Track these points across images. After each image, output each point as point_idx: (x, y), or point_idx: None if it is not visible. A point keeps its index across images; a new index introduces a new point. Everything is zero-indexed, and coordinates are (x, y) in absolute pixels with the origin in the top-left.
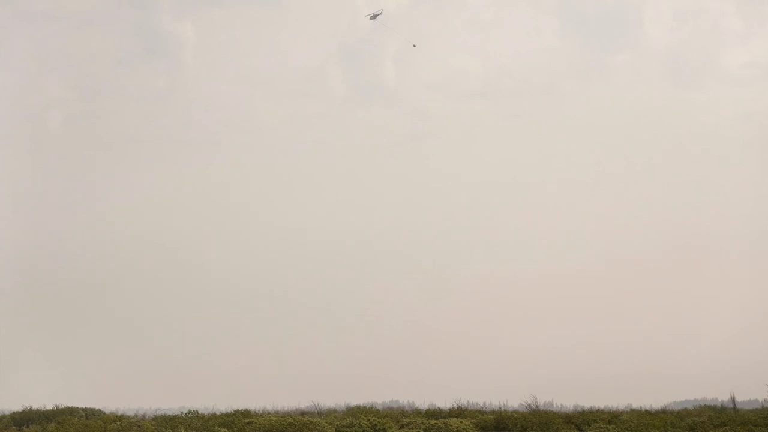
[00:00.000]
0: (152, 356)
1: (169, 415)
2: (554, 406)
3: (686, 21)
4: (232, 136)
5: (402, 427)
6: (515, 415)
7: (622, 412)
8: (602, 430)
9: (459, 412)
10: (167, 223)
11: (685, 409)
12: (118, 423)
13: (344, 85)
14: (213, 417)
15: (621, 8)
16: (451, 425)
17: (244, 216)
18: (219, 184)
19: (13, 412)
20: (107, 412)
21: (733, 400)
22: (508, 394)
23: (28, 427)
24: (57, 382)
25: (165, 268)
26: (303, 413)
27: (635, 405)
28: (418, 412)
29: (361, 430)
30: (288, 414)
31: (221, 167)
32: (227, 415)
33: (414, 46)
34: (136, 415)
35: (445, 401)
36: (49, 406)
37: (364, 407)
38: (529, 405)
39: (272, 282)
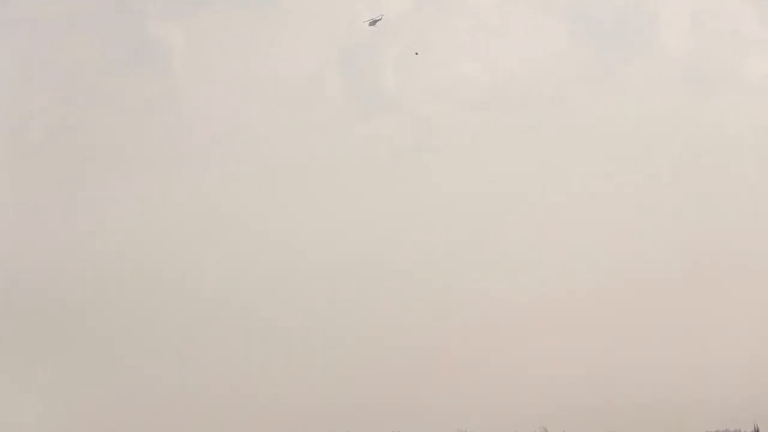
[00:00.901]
0: (137, 383)
1: None
2: None
3: (704, 25)
4: (224, 147)
5: None
6: None
7: None
8: None
9: None
10: (155, 241)
11: None
12: None
13: (343, 93)
14: None
15: (635, 11)
16: None
17: (236, 232)
18: (210, 198)
19: None
20: None
21: (757, 430)
22: (518, 423)
23: None
24: (34, 411)
25: (152, 289)
26: None
27: None
28: None
29: None
30: None
31: (213, 181)
32: None
33: (416, 53)
34: None
35: (449, 431)
36: None
37: None
38: None
39: (267, 304)
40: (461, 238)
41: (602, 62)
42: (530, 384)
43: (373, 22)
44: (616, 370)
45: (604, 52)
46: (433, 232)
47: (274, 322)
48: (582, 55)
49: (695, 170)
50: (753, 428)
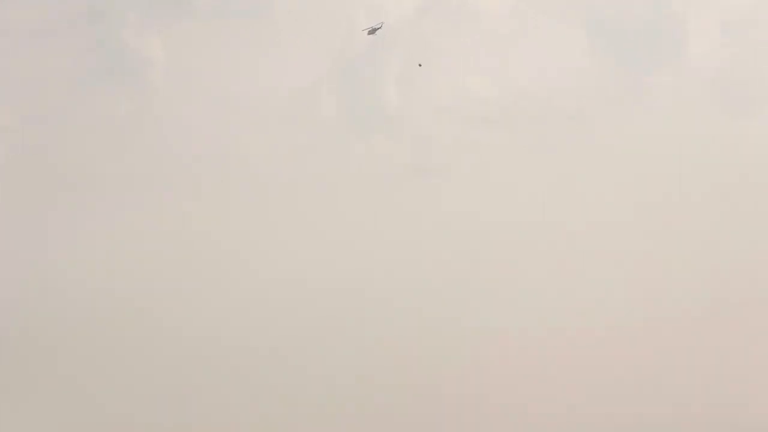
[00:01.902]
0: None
1: None
2: None
3: (738, 36)
4: (209, 169)
5: None
6: None
7: None
8: None
9: None
10: (132, 272)
11: None
12: None
13: (338, 110)
14: None
15: (661, 21)
16: None
17: (222, 262)
18: (194, 225)
19: None
20: None
21: None
22: None
23: None
24: None
25: (129, 326)
26: None
27: None
28: None
29: None
30: None
31: (197, 206)
32: None
33: (420, 64)
34: None
35: None
36: None
37: None
38: None
39: (258, 340)
40: (468, 269)
41: (625, 76)
42: (543, 427)
43: (373, 31)
44: (641, 417)
45: (627, 64)
46: (437, 263)
47: (266, 360)
48: (603, 68)
49: (728, 197)
50: None
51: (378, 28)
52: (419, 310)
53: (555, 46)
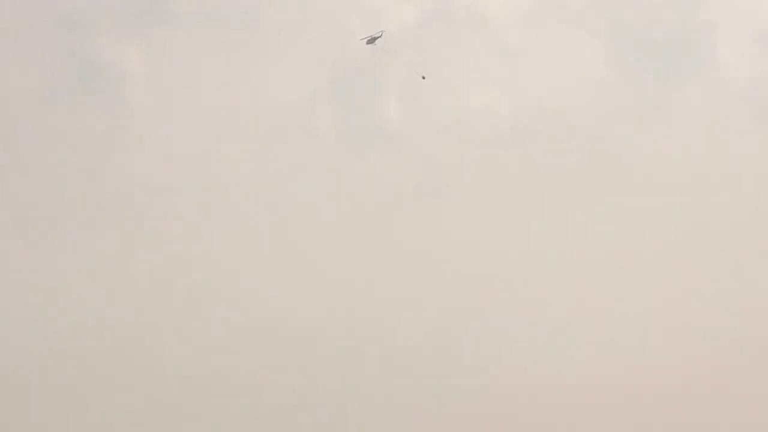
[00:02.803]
0: None
1: None
2: None
3: None
4: (191, 194)
5: None
6: None
7: None
8: None
9: None
10: (106, 306)
11: None
12: None
13: (334, 127)
14: None
15: (688, 29)
16: None
17: (205, 297)
18: (174, 255)
19: None
20: None
21: None
22: None
23: None
24: None
25: (105, 371)
26: None
27: None
28: None
29: None
30: None
31: (178, 235)
32: None
33: (423, 77)
34: None
35: None
36: None
37: None
38: None
39: (245, 384)
40: (476, 303)
41: (648, 89)
42: None
43: (372, 40)
44: None
45: (650, 77)
46: (442, 295)
47: (253, 407)
48: (624, 81)
49: (761, 224)
50: None
51: (377, 37)
52: (420, 348)
53: (571, 56)
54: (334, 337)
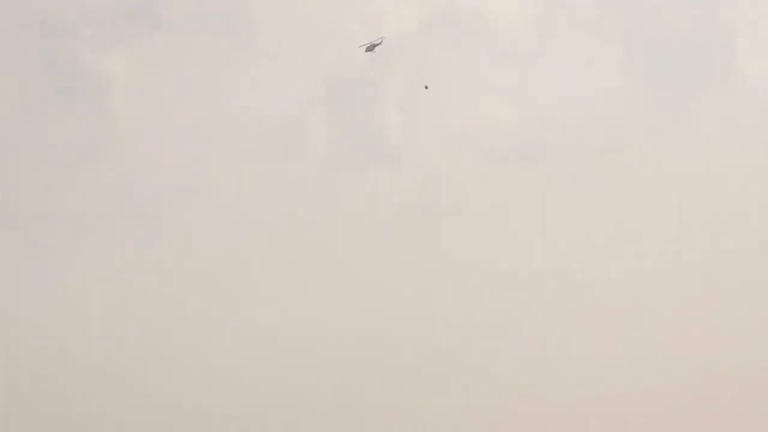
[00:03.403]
0: None
1: None
2: None
3: None
4: (178, 210)
5: None
6: None
7: None
8: None
9: None
10: (89, 332)
11: None
12: None
13: (331, 140)
14: None
15: (708, 35)
16: None
17: (193, 321)
18: (160, 275)
19: None
20: None
21: None
22: None
23: None
24: None
25: (85, 396)
26: None
27: None
28: None
29: None
30: None
31: (164, 253)
32: None
33: (426, 86)
34: None
35: None
36: None
37: None
38: None
39: (237, 415)
40: (483, 326)
41: (667, 99)
42: None
43: (371, 47)
44: None
45: (669, 86)
46: (447, 319)
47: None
48: (640, 90)
49: None
50: None
51: (377, 44)
52: (427, 374)
53: (584, 63)
54: (329, 358)
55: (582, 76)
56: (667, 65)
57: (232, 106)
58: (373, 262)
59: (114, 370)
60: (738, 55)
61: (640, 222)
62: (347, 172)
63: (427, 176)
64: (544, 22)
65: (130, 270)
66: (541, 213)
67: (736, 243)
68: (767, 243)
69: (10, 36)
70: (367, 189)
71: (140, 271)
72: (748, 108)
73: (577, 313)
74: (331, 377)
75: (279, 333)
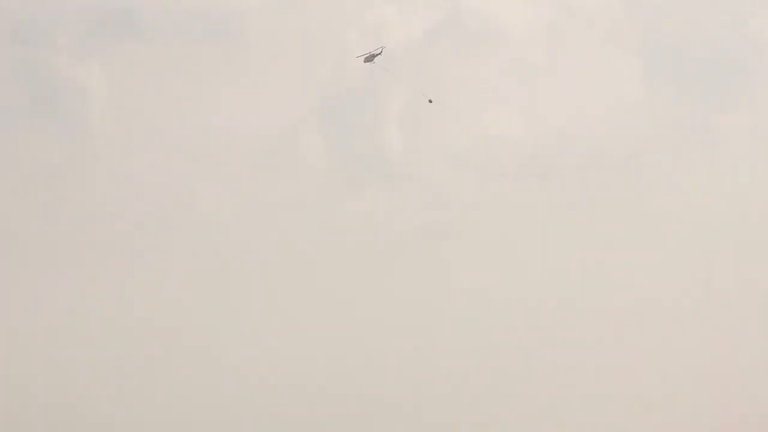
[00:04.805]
0: None
1: None
2: None
3: None
4: (160, 233)
5: None
6: None
7: None
8: None
9: None
10: (60, 362)
11: None
12: None
13: (327, 158)
14: None
15: (734, 45)
16: None
17: (177, 351)
18: (140, 304)
19: None
20: None
21: None
22: None
23: None
24: None
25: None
26: None
27: None
28: None
29: None
30: None
31: (144, 281)
32: None
33: (430, 100)
34: None
35: None
36: None
37: None
38: None
39: None
40: (489, 357)
41: (689, 115)
42: None
43: (371, 58)
44: None
45: (692, 100)
46: (450, 349)
47: None
48: (661, 105)
49: None
50: None
51: (377, 54)
52: (431, 408)
53: (601, 76)
54: (328, 394)
55: (597, 89)
56: (690, 77)
57: (219, 121)
58: (371, 289)
59: (84, 402)
60: (765, 69)
61: (659, 246)
62: (343, 192)
63: (430, 197)
64: (557, 30)
65: (107, 298)
66: (555, 236)
67: (764, 271)
68: None
69: None
70: (365, 210)
71: (117, 300)
72: None
73: (591, 347)
74: (326, 409)
75: (267, 366)
